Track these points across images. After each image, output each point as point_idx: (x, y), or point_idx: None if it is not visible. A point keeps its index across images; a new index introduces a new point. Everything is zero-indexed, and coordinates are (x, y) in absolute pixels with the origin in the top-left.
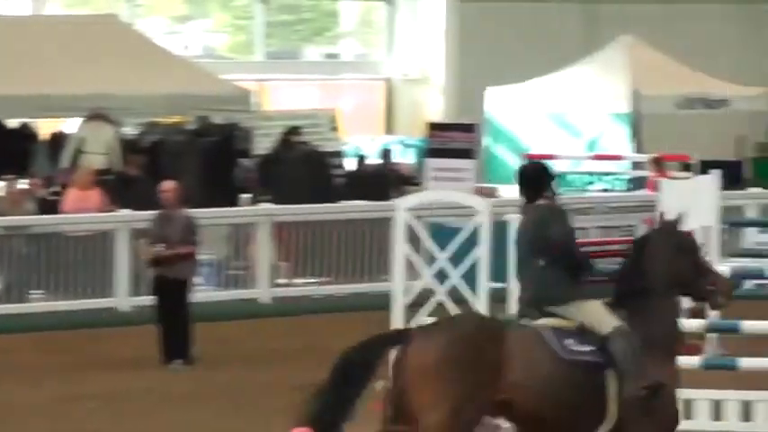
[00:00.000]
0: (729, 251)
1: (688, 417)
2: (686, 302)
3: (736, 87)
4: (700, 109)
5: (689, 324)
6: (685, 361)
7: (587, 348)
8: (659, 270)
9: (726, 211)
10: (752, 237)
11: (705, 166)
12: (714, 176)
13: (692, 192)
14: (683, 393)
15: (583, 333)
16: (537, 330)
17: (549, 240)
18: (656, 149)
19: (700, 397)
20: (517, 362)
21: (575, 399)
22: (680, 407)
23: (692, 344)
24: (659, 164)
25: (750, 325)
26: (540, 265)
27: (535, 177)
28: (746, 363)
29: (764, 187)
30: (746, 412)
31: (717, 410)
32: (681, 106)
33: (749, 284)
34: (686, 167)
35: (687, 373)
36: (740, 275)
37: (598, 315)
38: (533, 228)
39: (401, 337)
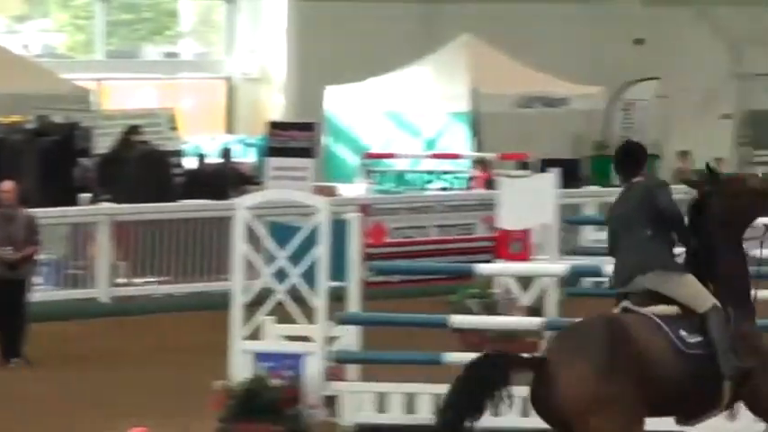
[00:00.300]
0: (567, 249)
1: (527, 414)
2: (525, 301)
3: (575, 86)
4: (539, 108)
5: (526, 322)
6: None
7: (699, 339)
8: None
9: (564, 209)
10: (589, 235)
11: (544, 165)
12: (552, 175)
13: (531, 190)
14: (521, 391)
15: (688, 319)
16: (655, 322)
17: (660, 210)
18: (497, 148)
19: None
20: (648, 359)
21: (694, 389)
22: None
23: (530, 342)
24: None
25: None
26: (648, 234)
27: (634, 155)
28: None
29: (602, 185)
30: None
31: None
32: (520, 105)
33: (587, 282)
34: (524, 166)
35: None
36: (578, 273)
37: (695, 291)
38: (641, 198)
39: (533, 364)
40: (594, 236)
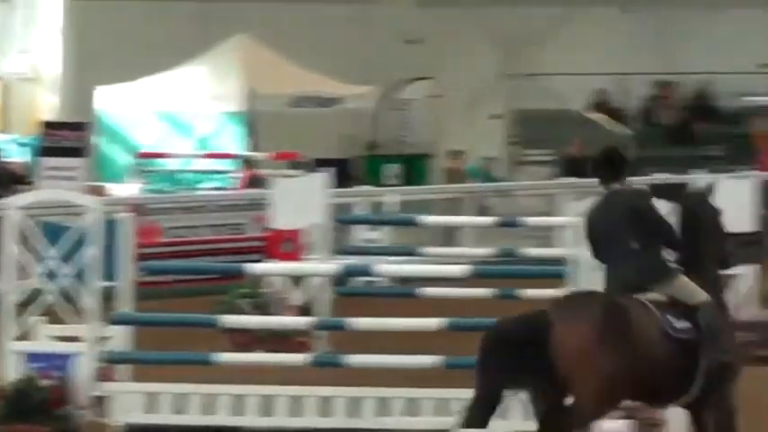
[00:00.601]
0: (338, 248)
1: (296, 414)
2: (296, 301)
3: (348, 87)
4: (312, 108)
5: (297, 322)
6: (292, 359)
7: (687, 325)
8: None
9: (336, 208)
10: (360, 234)
11: (317, 164)
12: (323, 175)
13: (303, 190)
14: (290, 391)
15: (676, 306)
16: (646, 304)
17: (648, 223)
18: (271, 148)
19: (308, 394)
20: (639, 337)
21: (672, 374)
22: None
23: (300, 341)
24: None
25: (357, 322)
26: (636, 248)
27: (614, 161)
28: (354, 359)
29: (374, 185)
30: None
31: (324, 408)
32: (293, 105)
33: (358, 282)
34: (297, 166)
35: (295, 371)
36: (349, 273)
37: (688, 289)
38: (626, 211)
39: (540, 318)
40: (366, 235)
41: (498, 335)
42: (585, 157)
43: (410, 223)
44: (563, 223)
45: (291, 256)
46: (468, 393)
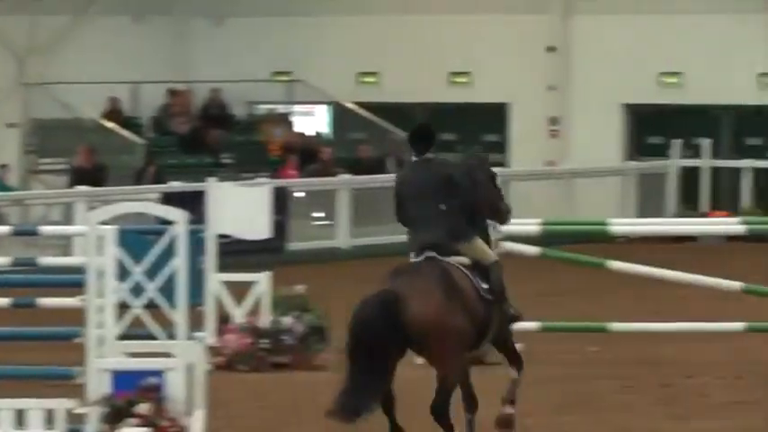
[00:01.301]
0: None
1: None
2: None
3: None
4: None
5: None
6: None
7: (486, 286)
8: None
9: None
10: None
11: None
12: None
13: None
14: None
15: (478, 269)
16: (462, 270)
17: (457, 188)
18: None
19: None
20: (467, 297)
21: (482, 324)
22: None
23: None
24: None
25: None
26: (442, 208)
27: (426, 135)
28: None
29: None
30: None
31: None
32: None
33: None
34: None
35: None
36: None
37: (482, 250)
38: (437, 176)
39: (388, 295)
40: None
41: (363, 322)
42: (97, 165)
43: None
44: (78, 232)
45: None
46: None
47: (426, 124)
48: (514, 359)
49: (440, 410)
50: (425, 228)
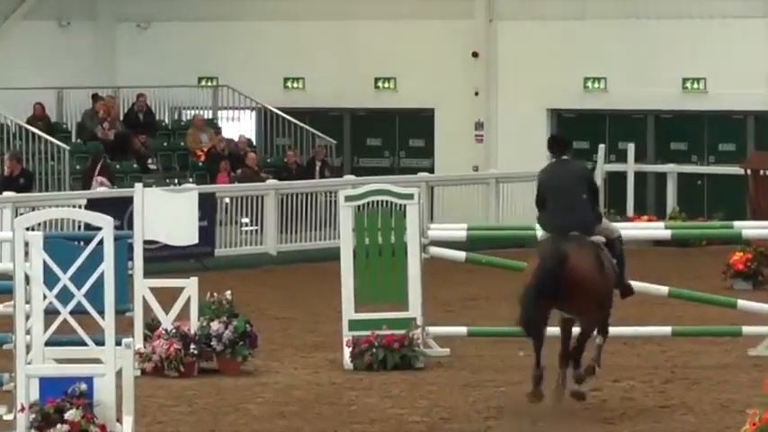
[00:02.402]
0: None
1: None
2: None
3: None
4: None
5: None
6: None
7: (615, 261)
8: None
9: None
10: None
11: None
12: None
13: None
14: None
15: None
16: (599, 246)
17: (593, 182)
18: None
19: None
20: (608, 267)
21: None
22: None
23: None
24: None
25: None
26: (584, 198)
27: (563, 141)
28: None
29: None
30: None
31: None
32: None
33: None
34: None
35: None
36: None
37: (611, 227)
38: (580, 173)
39: (562, 251)
40: None
41: (545, 267)
42: (24, 171)
43: None
44: (5, 238)
45: None
46: None
47: (559, 134)
48: (604, 327)
49: (577, 355)
50: (569, 213)
